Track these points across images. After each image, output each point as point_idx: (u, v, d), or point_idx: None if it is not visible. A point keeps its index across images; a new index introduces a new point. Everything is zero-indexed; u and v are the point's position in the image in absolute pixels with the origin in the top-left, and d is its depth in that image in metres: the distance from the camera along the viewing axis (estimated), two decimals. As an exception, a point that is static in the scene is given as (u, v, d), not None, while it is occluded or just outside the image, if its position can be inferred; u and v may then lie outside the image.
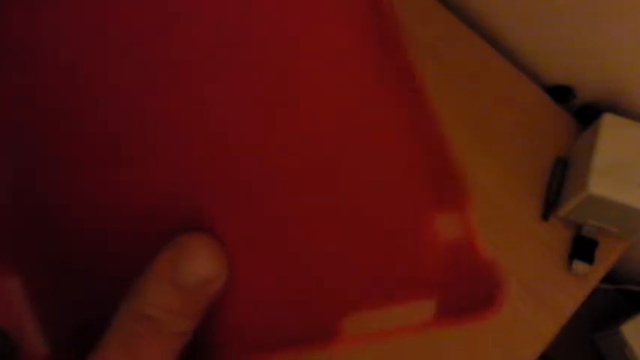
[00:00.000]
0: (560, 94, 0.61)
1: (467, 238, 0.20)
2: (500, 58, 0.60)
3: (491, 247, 0.54)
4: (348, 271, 0.20)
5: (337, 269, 0.20)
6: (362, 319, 0.20)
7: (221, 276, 0.18)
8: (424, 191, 0.20)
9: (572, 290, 0.53)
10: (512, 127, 0.58)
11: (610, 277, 0.71)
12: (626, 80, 0.55)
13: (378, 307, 0.20)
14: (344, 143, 0.20)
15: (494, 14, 0.61)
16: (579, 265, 0.53)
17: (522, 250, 0.54)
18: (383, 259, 0.20)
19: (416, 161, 0.20)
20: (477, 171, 0.56)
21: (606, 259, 0.54)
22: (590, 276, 0.53)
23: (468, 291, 0.19)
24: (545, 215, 0.55)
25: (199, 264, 0.18)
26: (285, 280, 0.20)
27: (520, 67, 0.63)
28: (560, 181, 0.56)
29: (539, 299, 0.53)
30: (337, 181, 0.20)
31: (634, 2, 0.48)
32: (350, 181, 0.20)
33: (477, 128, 0.57)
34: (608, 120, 0.52)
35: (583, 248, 0.53)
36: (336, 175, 0.20)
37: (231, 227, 0.19)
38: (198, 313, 0.18)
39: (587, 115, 0.60)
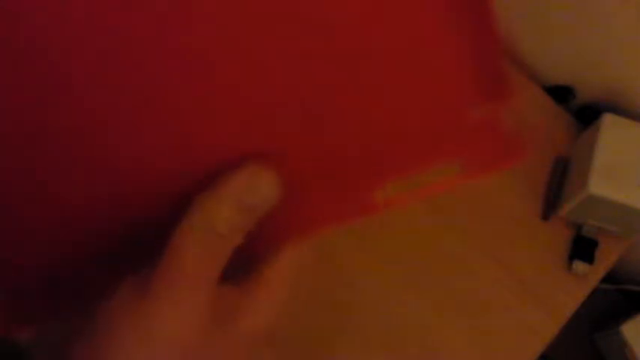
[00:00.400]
0: (560, 94, 0.61)
1: (491, 119, 0.23)
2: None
3: (492, 247, 0.54)
4: (382, 143, 0.22)
5: (371, 142, 0.22)
6: (397, 184, 0.22)
7: (276, 198, 0.21)
8: (464, 79, 0.22)
9: (572, 290, 0.53)
10: (512, 127, 0.58)
11: (610, 277, 0.71)
12: (626, 80, 0.55)
13: (410, 171, 0.22)
14: (387, 33, 0.20)
15: (494, 14, 0.61)
16: (579, 265, 0.53)
17: (522, 250, 0.54)
18: (415, 131, 0.22)
19: (462, 51, 0.21)
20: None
21: (606, 259, 0.54)
22: (590, 276, 0.53)
23: (489, 155, 0.23)
24: (545, 215, 0.55)
25: (265, 188, 0.21)
26: (326, 158, 0.22)
27: (520, 67, 0.63)
28: (560, 181, 0.56)
29: (539, 299, 0.53)
30: (378, 65, 0.21)
31: (634, 2, 0.48)
32: (390, 65, 0.21)
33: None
34: (608, 120, 0.52)
35: (583, 248, 0.53)
36: (376, 60, 0.20)
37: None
38: (251, 228, 0.21)
39: (587, 115, 0.60)
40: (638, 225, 0.51)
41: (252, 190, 0.21)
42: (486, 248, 0.54)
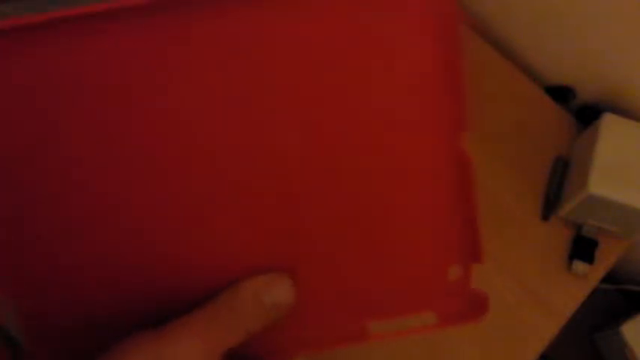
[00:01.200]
0: (560, 94, 0.61)
1: (466, 278, 0.27)
2: (500, 58, 0.60)
3: (492, 247, 0.54)
4: (377, 292, 0.26)
5: (367, 290, 0.26)
6: (383, 323, 0.27)
7: (291, 305, 0.24)
8: (445, 244, 0.26)
9: (572, 290, 0.53)
10: (512, 126, 0.58)
11: (610, 277, 0.71)
12: (626, 80, 0.55)
13: (394, 316, 0.27)
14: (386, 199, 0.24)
15: (494, 15, 0.61)
16: (579, 265, 0.53)
17: (522, 250, 0.54)
18: (402, 283, 0.26)
19: (452, 215, 0.25)
20: (477, 171, 0.56)
21: (606, 259, 0.54)
22: (590, 276, 0.53)
23: (459, 310, 0.27)
24: (545, 215, 0.55)
25: (285, 291, 0.24)
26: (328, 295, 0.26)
27: (520, 67, 0.63)
28: (560, 181, 0.56)
29: (539, 299, 0.53)
30: (373, 220, 0.24)
31: (634, 3, 0.49)
32: (385, 222, 0.25)
33: (477, 128, 0.57)
34: (608, 120, 0.52)
35: (583, 248, 0.53)
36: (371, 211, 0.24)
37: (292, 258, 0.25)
38: (264, 324, 0.23)
39: (587, 115, 0.60)
40: (638, 225, 0.51)
41: (276, 289, 0.23)
42: (486, 248, 0.54)
